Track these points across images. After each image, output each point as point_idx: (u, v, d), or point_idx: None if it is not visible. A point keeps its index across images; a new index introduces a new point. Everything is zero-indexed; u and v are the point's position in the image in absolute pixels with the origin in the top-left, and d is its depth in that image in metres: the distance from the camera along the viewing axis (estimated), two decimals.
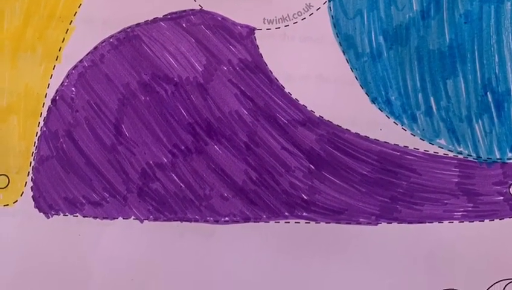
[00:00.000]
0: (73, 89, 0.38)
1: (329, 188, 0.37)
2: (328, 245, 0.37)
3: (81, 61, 0.38)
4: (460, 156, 0.37)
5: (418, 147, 0.37)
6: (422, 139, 0.37)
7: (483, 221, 0.37)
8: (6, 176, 0.37)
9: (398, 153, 0.37)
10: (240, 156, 0.37)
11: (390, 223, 0.37)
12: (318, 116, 0.37)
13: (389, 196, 0.37)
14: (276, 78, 0.37)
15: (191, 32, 0.38)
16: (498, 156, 0.37)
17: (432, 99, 0.37)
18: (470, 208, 0.37)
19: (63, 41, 0.38)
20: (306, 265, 0.37)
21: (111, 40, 0.38)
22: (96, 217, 0.38)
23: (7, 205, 0.37)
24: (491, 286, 0.37)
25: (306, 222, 0.37)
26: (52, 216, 0.38)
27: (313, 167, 0.37)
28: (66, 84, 0.38)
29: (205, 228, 0.37)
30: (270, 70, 0.38)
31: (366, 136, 0.37)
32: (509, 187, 0.37)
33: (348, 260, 0.37)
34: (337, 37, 0.37)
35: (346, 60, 0.37)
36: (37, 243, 0.37)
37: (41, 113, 0.37)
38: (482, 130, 0.37)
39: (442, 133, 0.37)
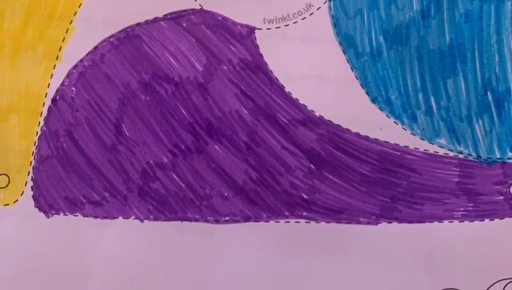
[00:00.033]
0: (73, 88, 0.38)
1: (329, 188, 0.37)
2: (328, 245, 0.37)
3: (81, 60, 0.38)
4: (460, 156, 0.37)
5: (418, 146, 0.37)
6: (422, 139, 0.37)
7: (483, 221, 0.37)
8: (7, 176, 0.37)
9: (399, 153, 0.37)
10: (240, 155, 0.37)
11: (391, 222, 0.37)
12: (318, 115, 0.37)
13: (389, 195, 0.37)
14: (276, 78, 0.38)
15: (191, 32, 0.38)
16: (498, 156, 0.37)
17: (432, 98, 0.37)
18: (470, 208, 0.37)
19: (63, 41, 0.38)
20: (306, 265, 0.37)
21: (111, 39, 0.38)
22: (97, 217, 0.38)
23: (7, 204, 0.38)
24: (491, 286, 0.37)
25: (306, 222, 0.37)
26: (52, 216, 0.38)
27: (313, 167, 0.37)
28: (66, 83, 0.38)
29: (205, 228, 0.37)
30: (271, 70, 0.38)
31: (366, 136, 0.37)
32: (509, 187, 0.37)
33: (348, 260, 0.37)
34: (338, 36, 0.37)
35: (347, 59, 0.37)
36: (37, 243, 0.37)
37: (41, 113, 0.38)
38: (482, 129, 0.37)
39: (443, 132, 0.37)
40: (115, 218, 0.38)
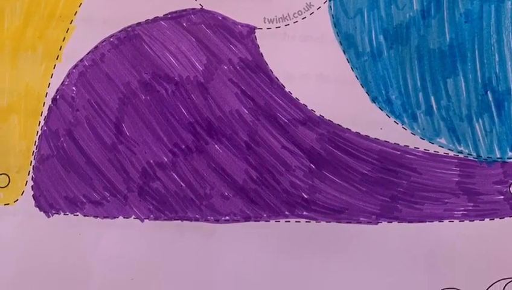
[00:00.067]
0: (73, 88, 0.38)
1: (329, 187, 0.37)
2: (328, 244, 0.37)
3: (81, 60, 0.38)
4: (460, 155, 0.37)
5: (419, 146, 0.37)
6: (422, 139, 0.37)
7: (483, 220, 0.37)
8: (7, 175, 0.37)
9: (399, 152, 0.37)
10: (241, 155, 0.37)
11: (391, 222, 0.37)
12: (318, 115, 0.37)
13: (389, 195, 0.37)
14: (276, 78, 0.38)
15: (192, 32, 0.38)
16: (498, 155, 0.37)
17: (432, 98, 0.37)
18: (470, 207, 0.37)
19: (63, 41, 0.38)
20: (306, 264, 0.37)
21: (111, 39, 0.38)
22: (97, 216, 0.38)
23: (8, 204, 0.38)
24: (492, 285, 0.37)
25: (306, 221, 0.37)
26: (52, 215, 0.38)
27: (313, 166, 0.37)
28: (66, 83, 0.38)
29: (206, 227, 0.37)
30: (271, 70, 0.38)
31: (366, 136, 0.37)
32: (509, 186, 0.37)
33: (349, 259, 0.37)
34: (338, 36, 0.37)
35: (347, 59, 0.37)
36: (38, 242, 0.37)
37: (41, 113, 0.38)
38: (482, 129, 0.37)
39: (443, 132, 0.37)
40: (115, 217, 0.38)
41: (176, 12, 0.38)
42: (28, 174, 0.37)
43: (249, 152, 0.37)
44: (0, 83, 0.37)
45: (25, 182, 0.38)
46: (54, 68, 0.38)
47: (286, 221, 0.37)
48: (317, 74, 0.37)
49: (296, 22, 0.38)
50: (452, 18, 0.37)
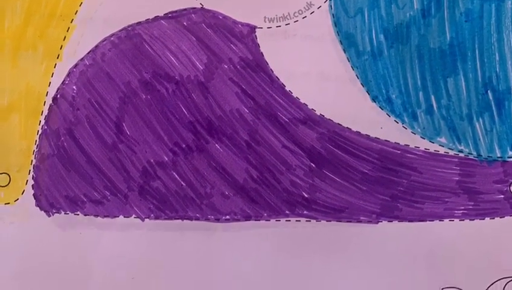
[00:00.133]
0: (74, 87, 0.38)
1: (330, 187, 0.37)
2: (328, 243, 0.37)
3: (82, 59, 0.38)
4: (461, 155, 0.37)
5: (419, 145, 0.37)
6: (422, 138, 0.37)
7: (483, 219, 0.37)
8: (8, 175, 0.37)
9: (399, 152, 0.37)
10: (241, 154, 0.37)
11: (391, 221, 0.37)
12: (319, 114, 0.37)
13: (389, 194, 0.37)
14: (277, 77, 0.38)
15: (192, 31, 0.38)
16: (499, 155, 0.37)
17: (432, 97, 0.37)
18: (471, 206, 0.37)
19: (64, 40, 0.38)
20: (307, 263, 0.37)
21: (112, 38, 0.38)
22: (97, 216, 0.38)
23: (8, 203, 0.38)
24: (492, 284, 0.37)
25: (307, 220, 0.37)
26: (53, 214, 0.38)
27: (313, 166, 0.37)
28: (67, 82, 0.38)
29: (206, 226, 0.37)
30: (271, 69, 0.38)
31: (366, 135, 0.37)
32: (509, 185, 0.37)
33: (349, 258, 0.37)
34: (338, 35, 0.37)
35: (347, 58, 0.37)
36: (38, 242, 0.37)
37: (42, 112, 0.38)
38: (482, 128, 0.37)
39: (443, 131, 0.37)
40: (115, 217, 0.38)
41: (176, 11, 0.38)
42: (29, 174, 0.37)
43: (250, 151, 0.37)
44: (1, 82, 0.37)
45: (25, 181, 0.38)
46: (55, 67, 0.38)
47: (286, 220, 0.37)
48: (318, 73, 0.37)
49: (297, 21, 0.38)
50: (452, 17, 0.37)
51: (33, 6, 0.38)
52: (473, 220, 0.37)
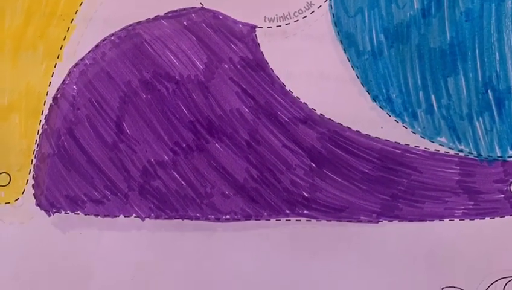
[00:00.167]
0: (74, 87, 0.38)
1: (330, 186, 0.37)
2: (328, 243, 0.37)
3: (82, 59, 0.38)
4: (461, 154, 0.37)
5: (419, 145, 0.37)
6: (423, 137, 0.37)
7: (483, 219, 0.37)
8: (8, 174, 0.37)
9: (399, 151, 0.37)
10: (241, 154, 0.37)
11: (391, 221, 0.37)
12: (319, 114, 0.37)
13: (389, 193, 0.37)
14: (277, 76, 0.38)
15: (192, 30, 0.38)
16: (499, 154, 0.37)
17: (432, 97, 0.37)
18: (471, 206, 0.37)
19: (64, 40, 0.38)
20: (307, 263, 0.37)
21: (112, 38, 0.38)
22: (98, 215, 0.38)
23: (8, 202, 0.38)
24: (492, 284, 0.37)
25: (307, 220, 0.37)
26: (53, 214, 0.38)
27: (314, 165, 0.37)
28: (67, 82, 0.38)
29: (206, 226, 0.37)
30: (271, 69, 0.38)
31: (367, 134, 0.37)
32: (509, 185, 0.37)
33: (349, 258, 0.37)
34: (338, 35, 0.37)
35: (347, 58, 0.37)
36: (38, 241, 0.37)
37: (42, 111, 0.38)
38: (482, 128, 0.37)
39: (443, 131, 0.37)
40: (116, 216, 0.38)
41: (176, 11, 0.38)
42: (29, 173, 0.37)
43: (250, 151, 0.37)
44: (1, 82, 0.37)
45: (25, 181, 0.38)
46: (55, 67, 0.38)
47: (287, 219, 0.37)
48: (318, 73, 0.37)
49: (297, 20, 0.38)
50: (453, 17, 0.37)
51: (33, 6, 0.38)
52: (473, 219, 0.37)
